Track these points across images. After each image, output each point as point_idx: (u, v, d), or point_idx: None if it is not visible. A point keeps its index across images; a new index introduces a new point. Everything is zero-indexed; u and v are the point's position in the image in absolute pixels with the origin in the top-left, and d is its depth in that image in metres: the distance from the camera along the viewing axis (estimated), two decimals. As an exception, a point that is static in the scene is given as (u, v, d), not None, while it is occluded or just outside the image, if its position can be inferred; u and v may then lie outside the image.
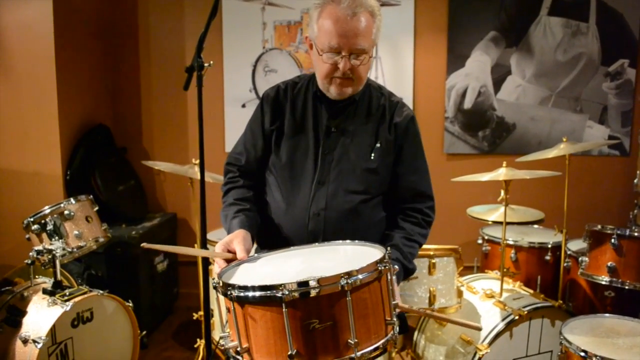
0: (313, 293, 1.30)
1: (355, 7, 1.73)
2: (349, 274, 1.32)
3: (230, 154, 2.05)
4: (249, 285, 1.35)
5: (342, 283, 1.31)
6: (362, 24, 1.74)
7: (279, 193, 1.91)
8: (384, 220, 1.95)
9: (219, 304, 1.50)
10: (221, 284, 1.41)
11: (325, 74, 1.81)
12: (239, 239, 1.68)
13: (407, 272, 1.87)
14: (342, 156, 1.86)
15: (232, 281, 1.43)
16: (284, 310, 1.29)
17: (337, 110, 1.91)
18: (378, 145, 1.89)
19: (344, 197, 1.85)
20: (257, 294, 1.33)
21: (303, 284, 1.30)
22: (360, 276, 1.34)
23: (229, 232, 1.79)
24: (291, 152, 1.91)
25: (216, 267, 1.65)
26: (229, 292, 1.37)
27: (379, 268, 1.40)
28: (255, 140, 1.97)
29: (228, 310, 1.41)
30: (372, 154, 1.88)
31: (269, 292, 1.31)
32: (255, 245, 1.96)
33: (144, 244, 1.54)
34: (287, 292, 1.29)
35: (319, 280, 1.30)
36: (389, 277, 1.45)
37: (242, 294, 1.35)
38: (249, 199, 1.94)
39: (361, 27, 1.74)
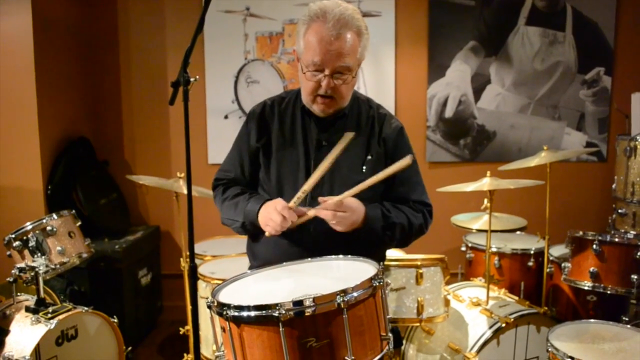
0: (309, 312, 1.30)
1: (340, 28, 1.73)
2: (344, 292, 1.33)
3: (218, 171, 2.07)
4: (245, 305, 1.34)
5: (339, 301, 1.31)
6: (346, 43, 1.74)
7: None
8: None
9: (212, 322, 1.49)
10: (216, 304, 1.40)
11: (309, 91, 1.83)
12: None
13: (385, 219, 1.84)
14: (334, 169, 1.86)
15: (226, 300, 1.43)
16: (280, 329, 1.30)
17: (327, 124, 1.91)
18: (369, 157, 1.90)
19: None
20: (253, 313, 1.33)
21: (299, 303, 1.31)
22: (355, 293, 1.35)
23: (247, 213, 1.84)
24: (281, 167, 1.91)
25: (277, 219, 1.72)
26: (224, 312, 1.37)
27: (374, 284, 1.41)
28: (242, 157, 1.99)
29: (223, 329, 1.40)
30: (364, 167, 1.89)
31: (264, 311, 1.32)
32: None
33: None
34: (283, 312, 1.29)
35: (314, 299, 1.31)
36: (383, 293, 1.46)
37: (237, 314, 1.35)
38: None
39: (345, 47, 1.74)
